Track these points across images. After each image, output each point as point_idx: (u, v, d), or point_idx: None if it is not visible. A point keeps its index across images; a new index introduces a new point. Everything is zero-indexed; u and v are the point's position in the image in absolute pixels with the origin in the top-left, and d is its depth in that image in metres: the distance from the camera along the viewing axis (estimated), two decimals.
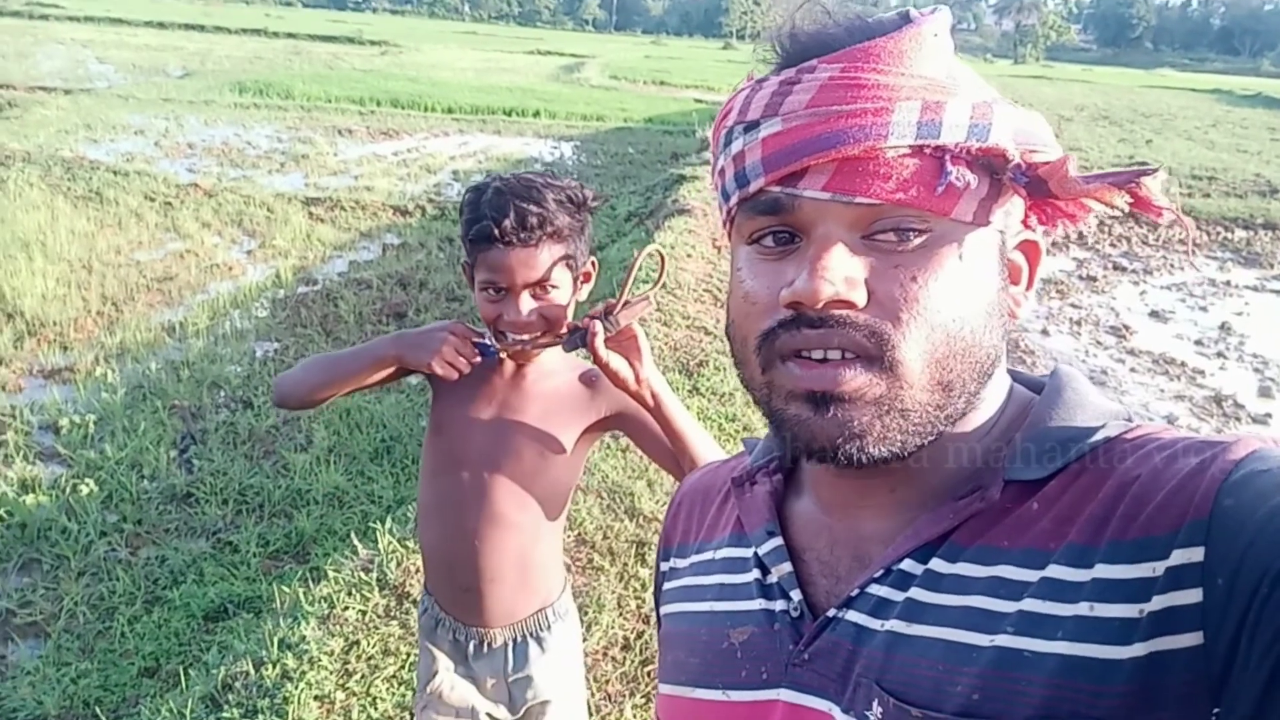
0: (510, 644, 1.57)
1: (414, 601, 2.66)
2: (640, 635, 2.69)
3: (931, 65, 0.58)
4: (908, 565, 0.58)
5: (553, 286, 1.38)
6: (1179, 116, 26.24)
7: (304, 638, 2.48)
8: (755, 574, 0.68)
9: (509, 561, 1.50)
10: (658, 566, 0.84)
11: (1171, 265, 9.25)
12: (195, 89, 17.84)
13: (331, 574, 2.79)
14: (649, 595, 2.87)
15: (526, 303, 1.37)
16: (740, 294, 0.62)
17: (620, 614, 2.75)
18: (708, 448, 1.40)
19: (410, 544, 2.91)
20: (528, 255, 1.35)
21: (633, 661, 2.61)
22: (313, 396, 1.48)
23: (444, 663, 1.57)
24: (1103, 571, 0.50)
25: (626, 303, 1.32)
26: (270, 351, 5.82)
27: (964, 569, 0.56)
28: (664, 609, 0.79)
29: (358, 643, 2.49)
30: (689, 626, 0.73)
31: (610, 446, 3.63)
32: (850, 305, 0.56)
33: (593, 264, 1.50)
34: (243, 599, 3.32)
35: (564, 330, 1.37)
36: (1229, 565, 0.46)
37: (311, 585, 2.82)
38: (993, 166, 0.58)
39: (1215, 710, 0.46)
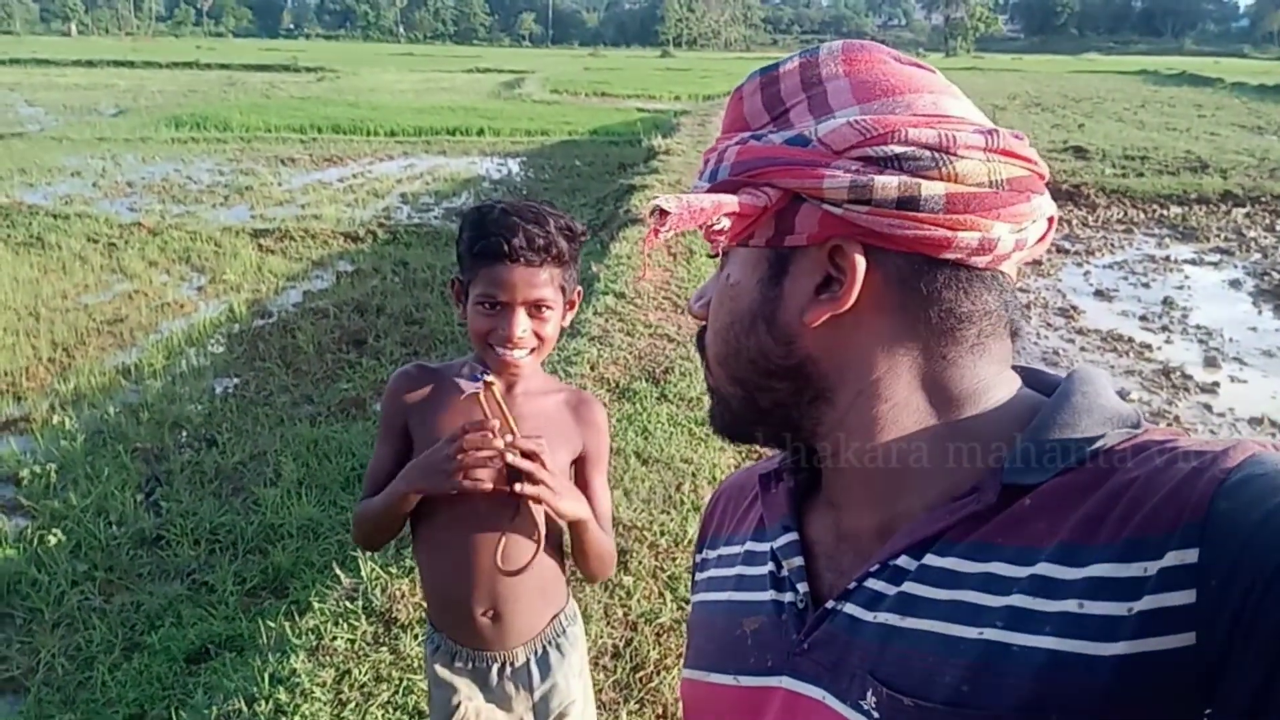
0: (533, 658, 1.60)
1: (402, 627, 2.67)
2: (629, 642, 2.72)
3: (730, 120, 0.68)
4: (903, 560, 0.61)
5: (548, 307, 1.46)
6: (1108, 99, 26.92)
7: (294, 671, 2.47)
8: (770, 567, 0.71)
9: (530, 580, 1.53)
10: (694, 558, 0.88)
11: (1112, 245, 9.50)
12: (130, 126, 17.55)
13: (316, 605, 2.78)
14: (634, 603, 2.90)
15: (522, 319, 1.44)
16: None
17: (608, 623, 2.78)
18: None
19: (393, 569, 2.91)
20: (530, 274, 1.43)
21: (624, 669, 2.63)
22: (375, 542, 1.64)
23: (465, 693, 1.58)
24: (1095, 570, 0.51)
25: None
26: (230, 387, 5.76)
27: (956, 564, 0.58)
28: (693, 598, 0.83)
29: (349, 672, 2.49)
30: (709, 615, 0.77)
31: None
32: (702, 318, 0.72)
33: (578, 293, 1.58)
34: (223, 638, 3.28)
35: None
36: (1223, 567, 0.47)
37: (297, 618, 2.81)
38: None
39: (1207, 711, 0.47)
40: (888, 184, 0.58)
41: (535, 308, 1.45)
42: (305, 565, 3.75)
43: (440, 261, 8.35)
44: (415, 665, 2.52)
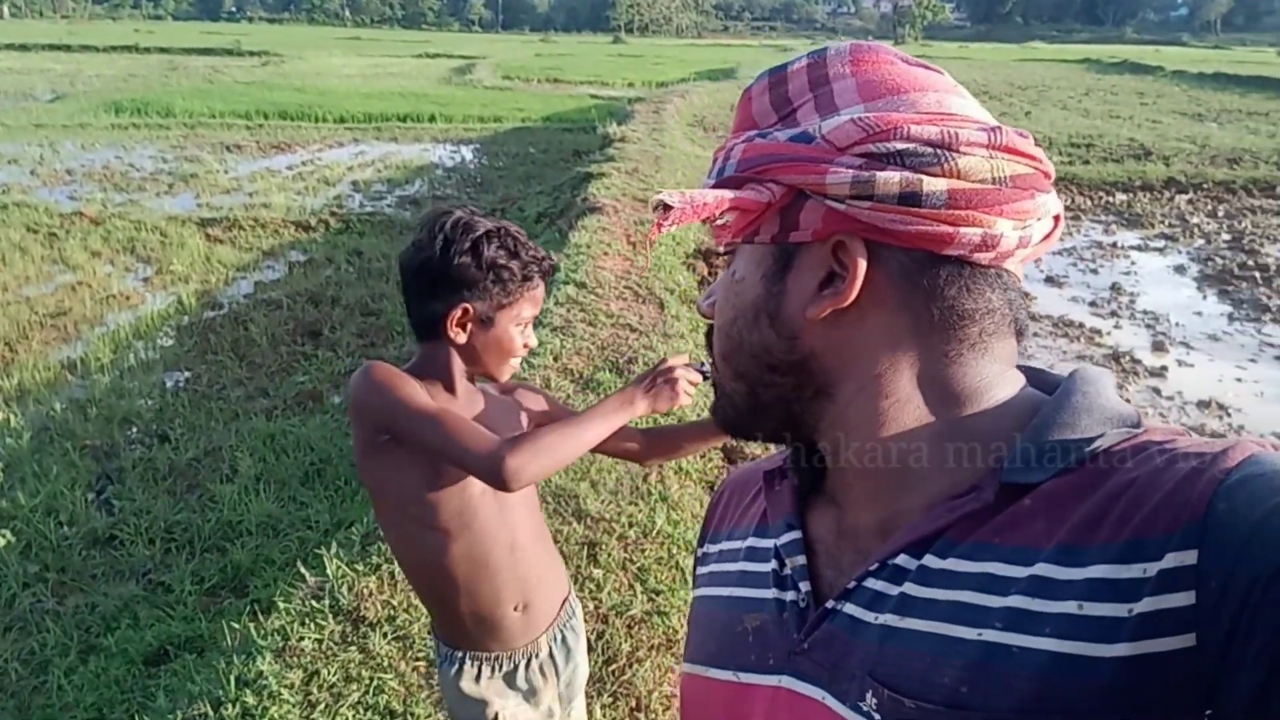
0: (554, 645, 1.64)
1: (371, 625, 2.63)
2: (600, 635, 2.71)
3: (740, 120, 0.69)
4: (902, 560, 0.60)
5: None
6: (1053, 87, 27.41)
7: (261, 672, 2.42)
8: (773, 564, 0.71)
9: (546, 558, 1.64)
10: (696, 551, 0.87)
11: (1060, 232, 9.68)
12: (68, 112, 17.04)
13: (282, 604, 2.73)
14: (604, 595, 2.89)
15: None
16: None
17: None
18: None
19: (360, 566, 2.86)
20: (543, 289, 1.56)
21: (595, 662, 2.62)
22: (550, 471, 1.51)
23: (498, 702, 1.59)
24: (1094, 571, 0.51)
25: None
26: (181, 381, 5.63)
27: (955, 564, 0.58)
28: (695, 592, 0.83)
29: (317, 672, 2.44)
30: (711, 609, 0.77)
31: None
32: (710, 316, 0.73)
33: None
34: (183, 639, 3.21)
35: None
36: (1222, 568, 0.47)
37: (261, 618, 2.75)
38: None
39: (1208, 712, 0.47)
40: (889, 179, 0.58)
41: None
42: (266, 563, 3.68)
43: (395, 251, 8.15)
44: (386, 664, 2.48)
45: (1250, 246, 8.96)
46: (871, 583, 0.62)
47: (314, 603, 2.72)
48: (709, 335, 0.74)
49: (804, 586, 0.67)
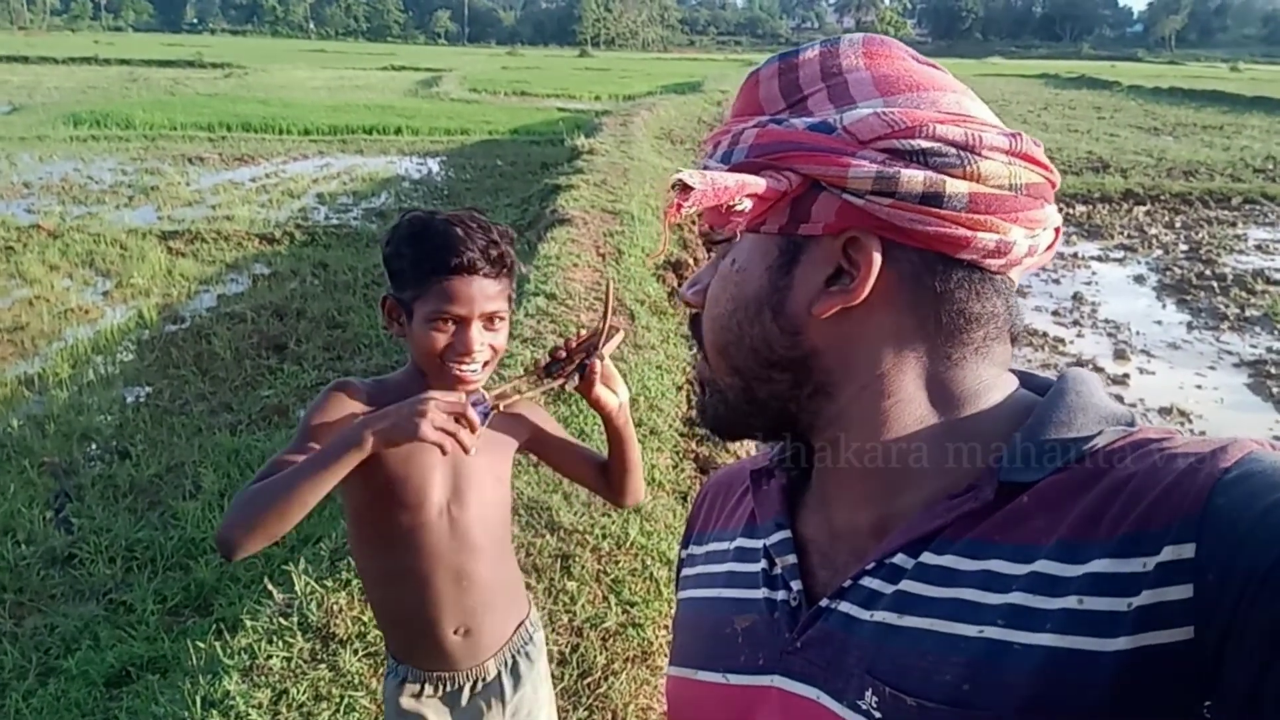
0: (504, 670, 1.58)
1: (341, 642, 2.58)
2: (575, 648, 2.69)
3: (744, 104, 0.67)
4: (899, 559, 0.60)
5: (500, 318, 1.43)
6: (1013, 101, 27.87)
7: (228, 692, 2.37)
8: (763, 564, 0.70)
9: (497, 586, 1.54)
10: (679, 554, 0.86)
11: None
12: (26, 124, 16.71)
13: (249, 623, 2.67)
14: (579, 608, 2.86)
15: (480, 333, 1.40)
16: None
17: (553, 629, 2.74)
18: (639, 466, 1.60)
19: (329, 582, 2.81)
20: (487, 285, 1.39)
21: (571, 676, 2.60)
22: (272, 530, 1.26)
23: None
24: (1094, 566, 0.52)
25: (609, 336, 1.37)
26: (142, 396, 5.52)
27: (954, 562, 0.58)
28: (679, 594, 0.82)
29: (286, 691, 2.39)
30: (698, 611, 0.76)
31: (522, 463, 3.61)
32: (695, 305, 0.70)
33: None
34: (145, 660, 3.14)
35: (543, 367, 1.40)
36: (1220, 562, 0.47)
37: (228, 636, 2.69)
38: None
39: (1207, 703, 0.48)
40: (913, 178, 0.58)
41: (489, 319, 1.41)
42: (230, 581, 3.61)
43: (362, 263, 8.15)
44: (357, 682, 2.44)
45: (1207, 256, 9.15)
46: (868, 581, 0.61)
47: (282, 620, 2.66)
48: (694, 324, 0.72)
49: (795, 585, 0.66)
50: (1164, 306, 7.73)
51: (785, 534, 0.69)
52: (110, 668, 3.09)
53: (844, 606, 0.62)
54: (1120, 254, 9.47)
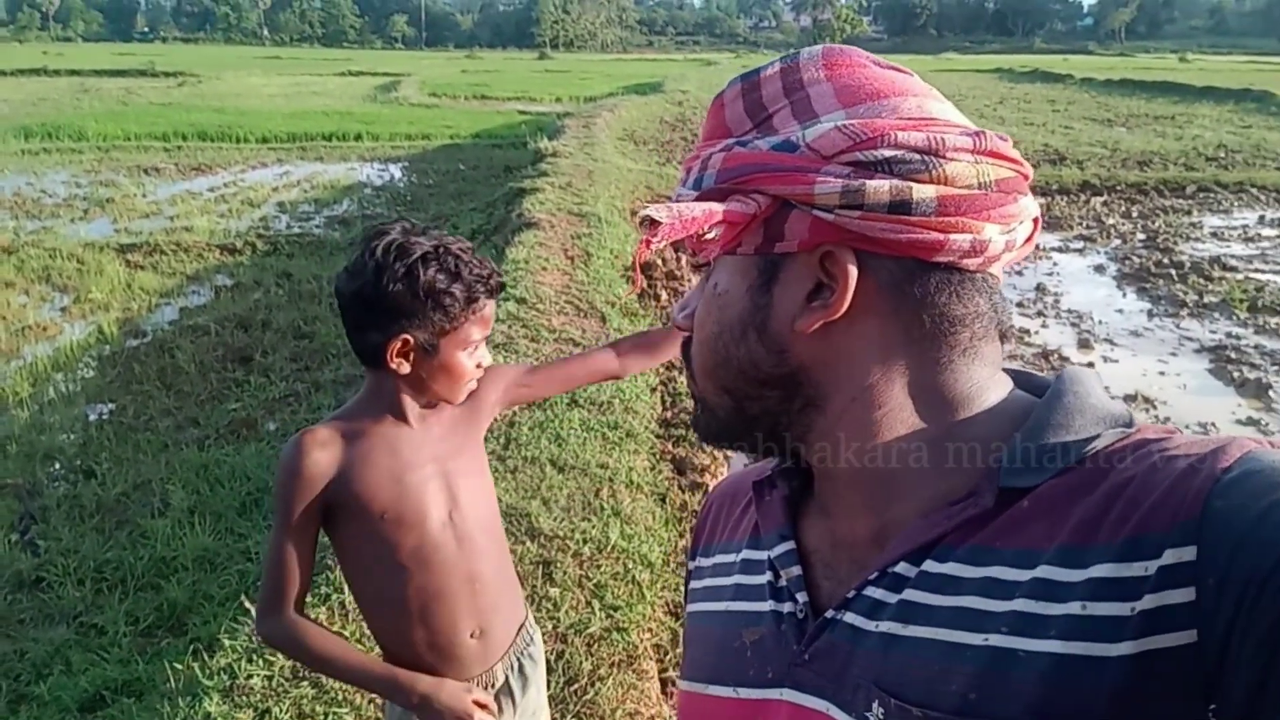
0: (510, 673, 1.59)
1: None
2: (560, 655, 2.67)
3: (712, 128, 0.66)
4: (902, 568, 0.60)
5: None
6: (969, 96, 28.19)
7: (208, 714, 2.32)
8: (768, 576, 0.70)
9: (502, 584, 1.57)
10: (687, 565, 0.86)
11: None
12: None
13: (227, 642, 2.62)
14: (562, 614, 2.85)
15: (486, 349, 1.48)
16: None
17: None
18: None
19: (309, 598, 2.77)
20: (492, 306, 1.46)
21: (556, 683, 2.58)
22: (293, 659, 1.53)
23: None
24: (1096, 571, 0.52)
25: None
26: (106, 413, 5.42)
27: (956, 569, 0.58)
28: (689, 607, 0.81)
29: (269, 711, 2.35)
30: (706, 625, 0.75)
31: (499, 470, 3.58)
32: (686, 329, 0.71)
33: None
34: (120, 684, 3.07)
35: None
36: (1220, 565, 0.47)
37: (206, 657, 2.65)
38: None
39: (1212, 707, 0.48)
40: (879, 188, 0.58)
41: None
42: (205, 599, 3.55)
43: (326, 272, 8.06)
44: (340, 699, 2.40)
45: (1164, 245, 9.31)
46: (871, 590, 0.61)
47: None
48: (685, 348, 0.72)
49: (801, 597, 0.66)
50: (1124, 295, 7.85)
51: (789, 545, 0.69)
52: (84, 692, 3.03)
53: (849, 617, 0.61)
54: (1080, 244, 9.61)
